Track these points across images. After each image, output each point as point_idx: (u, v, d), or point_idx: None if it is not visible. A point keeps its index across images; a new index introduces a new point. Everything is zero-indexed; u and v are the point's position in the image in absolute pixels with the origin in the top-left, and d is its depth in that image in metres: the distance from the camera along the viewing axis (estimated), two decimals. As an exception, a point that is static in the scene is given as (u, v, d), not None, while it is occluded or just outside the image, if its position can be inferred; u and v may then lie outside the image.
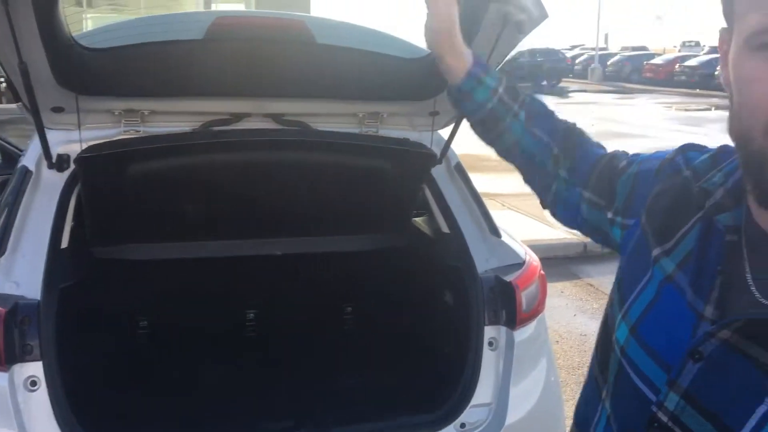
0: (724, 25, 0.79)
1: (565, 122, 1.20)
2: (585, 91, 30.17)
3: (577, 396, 1.07)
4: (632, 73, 33.22)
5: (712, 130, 15.83)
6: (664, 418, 0.80)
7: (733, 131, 0.76)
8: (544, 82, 32.13)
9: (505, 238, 2.46)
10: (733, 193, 0.83)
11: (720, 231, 0.82)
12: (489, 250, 2.33)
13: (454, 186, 2.45)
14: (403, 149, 2.34)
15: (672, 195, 0.91)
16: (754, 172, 0.74)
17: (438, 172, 2.46)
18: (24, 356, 1.84)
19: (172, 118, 2.31)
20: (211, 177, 2.39)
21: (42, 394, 1.83)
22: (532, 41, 32.74)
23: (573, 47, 47.39)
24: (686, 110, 21.32)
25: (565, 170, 1.13)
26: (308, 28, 2.20)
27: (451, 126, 2.46)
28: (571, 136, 1.16)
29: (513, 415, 2.10)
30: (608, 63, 35.15)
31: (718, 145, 0.93)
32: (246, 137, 2.29)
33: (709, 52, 34.32)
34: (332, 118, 2.41)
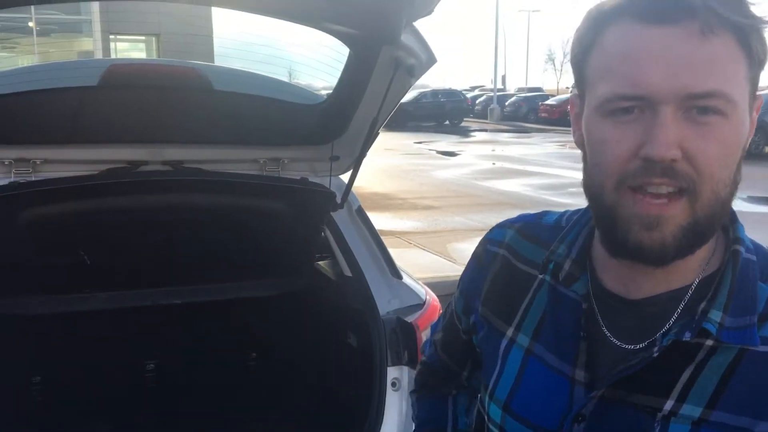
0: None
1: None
2: (485, 130, 31.25)
3: None
4: (528, 113, 34.76)
5: (603, 167, 16.71)
6: None
7: (587, 187, 0.84)
8: (447, 122, 33.08)
9: (405, 279, 2.51)
10: (578, 262, 0.91)
11: (574, 300, 0.90)
12: (391, 291, 2.37)
13: (356, 229, 2.50)
14: (301, 188, 2.38)
15: (501, 278, 1.00)
16: (605, 224, 0.82)
17: (340, 216, 2.50)
18: None
19: (66, 167, 2.25)
20: (104, 223, 2.33)
21: None
22: (432, 83, 33.77)
23: (473, 88, 49.14)
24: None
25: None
26: (205, 75, 2.22)
27: (351, 171, 2.51)
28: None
29: (417, 455, 2.13)
30: (506, 103, 36.65)
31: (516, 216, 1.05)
32: (138, 178, 2.26)
33: (598, 93, 36.51)
34: (233, 164, 2.41)
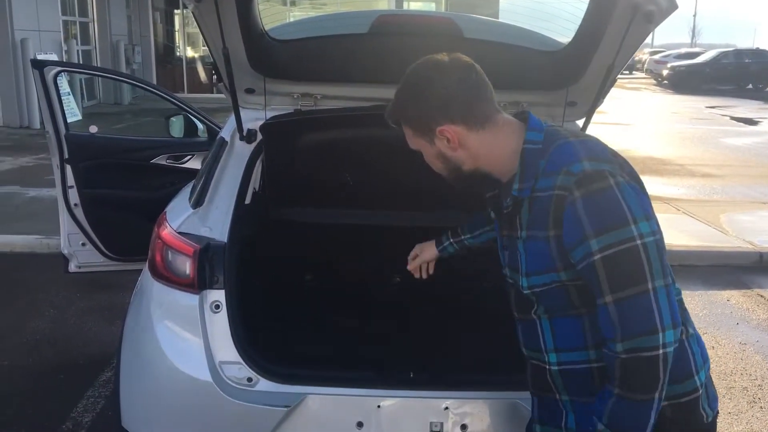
0: None
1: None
2: (797, 96, 27.49)
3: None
4: None
5: None
6: (510, 281, 1.69)
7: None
8: (749, 86, 29.69)
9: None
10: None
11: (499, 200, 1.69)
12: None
13: None
14: None
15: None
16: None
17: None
18: (212, 284, 2.30)
19: (339, 103, 2.69)
20: (365, 150, 2.73)
21: (223, 315, 2.28)
22: (740, 42, 30.33)
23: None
24: None
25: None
26: (456, 23, 2.49)
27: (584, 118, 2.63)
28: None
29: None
30: (829, 66, 31.68)
31: None
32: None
33: None
34: None
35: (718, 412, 1.67)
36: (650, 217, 1.45)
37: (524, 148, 1.55)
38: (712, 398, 1.64)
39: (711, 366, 1.71)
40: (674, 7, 2.05)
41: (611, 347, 1.42)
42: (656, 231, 1.45)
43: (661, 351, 1.38)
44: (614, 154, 1.55)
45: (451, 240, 2.31)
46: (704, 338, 1.74)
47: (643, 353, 1.38)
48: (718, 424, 1.71)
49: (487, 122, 1.57)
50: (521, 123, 1.61)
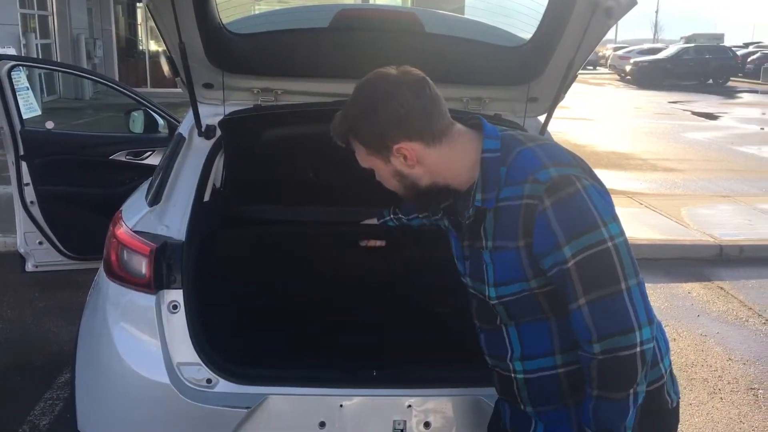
0: None
1: None
2: (755, 91, 28.08)
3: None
4: (812, 74, 30.51)
5: None
6: (472, 291, 1.66)
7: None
8: (710, 81, 30.27)
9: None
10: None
11: (456, 210, 1.67)
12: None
13: None
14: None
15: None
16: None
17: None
18: (169, 284, 2.24)
19: (300, 98, 2.65)
20: (330, 147, 2.69)
21: (181, 316, 2.22)
22: (698, 38, 30.95)
23: (747, 45, 44.08)
24: None
25: None
26: (418, 18, 2.47)
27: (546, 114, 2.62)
28: None
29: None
30: (786, 62, 32.45)
31: None
32: None
33: None
34: None
35: (679, 399, 1.70)
36: (616, 218, 1.46)
37: (483, 158, 1.52)
38: (675, 384, 1.67)
39: (672, 358, 1.73)
40: (633, 3, 2.05)
41: (587, 349, 1.42)
42: (623, 231, 1.45)
43: (638, 349, 1.38)
44: (574, 157, 1.55)
45: (391, 215, 2.54)
46: (666, 330, 1.75)
47: (621, 353, 1.38)
48: (680, 415, 1.73)
49: (444, 136, 1.53)
50: (476, 131, 1.57)
